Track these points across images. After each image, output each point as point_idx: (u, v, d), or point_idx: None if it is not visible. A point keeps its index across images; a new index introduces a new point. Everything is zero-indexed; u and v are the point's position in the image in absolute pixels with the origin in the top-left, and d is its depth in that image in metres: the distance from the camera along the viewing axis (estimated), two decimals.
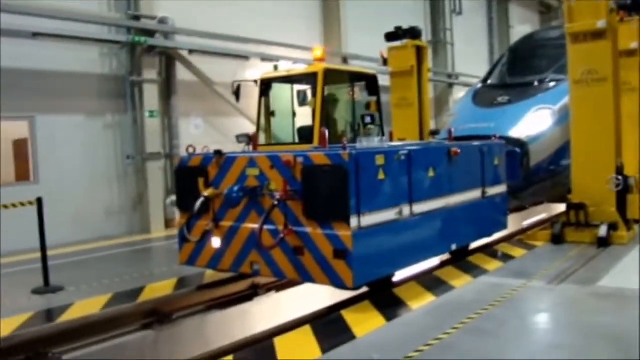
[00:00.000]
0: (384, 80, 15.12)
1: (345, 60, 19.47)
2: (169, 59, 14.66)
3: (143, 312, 7.83)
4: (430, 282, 7.79)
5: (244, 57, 15.88)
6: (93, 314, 7.41)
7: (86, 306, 7.63)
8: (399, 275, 7.80)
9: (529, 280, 7.60)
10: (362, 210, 6.46)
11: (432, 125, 16.16)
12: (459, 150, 8.27)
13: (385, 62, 14.40)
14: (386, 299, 7.00)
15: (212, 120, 15.63)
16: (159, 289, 8.41)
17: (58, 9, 12.12)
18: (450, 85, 26.23)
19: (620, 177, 9.75)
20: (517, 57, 14.42)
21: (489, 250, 9.91)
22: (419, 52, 14.16)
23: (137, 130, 13.88)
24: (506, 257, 9.29)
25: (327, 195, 6.50)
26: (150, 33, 13.96)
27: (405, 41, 14.15)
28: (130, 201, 13.87)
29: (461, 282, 7.73)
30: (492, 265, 8.75)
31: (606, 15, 9.65)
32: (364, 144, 7.75)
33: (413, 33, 14.16)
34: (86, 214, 12.88)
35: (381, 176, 6.78)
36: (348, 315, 6.43)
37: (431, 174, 7.77)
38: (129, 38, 13.45)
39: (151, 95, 14.03)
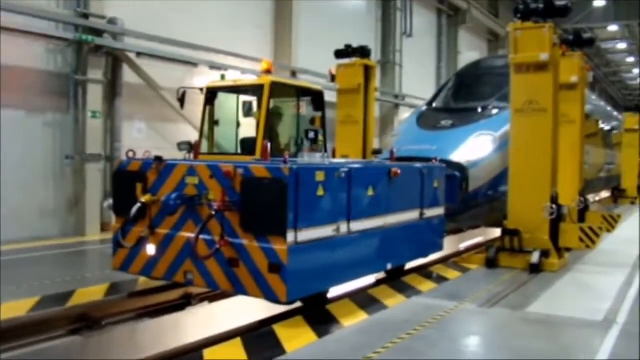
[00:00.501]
0: (331, 97, 15.24)
1: (294, 73, 19.51)
2: (115, 60, 14.44)
3: (71, 317, 7.62)
4: (364, 300, 7.83)
5: (193, 64, 15.77)
6: (18, 316, 7.19)
7: (12, 308, 7.38)
8: (334, 292, 7.82)
9: (461, 302, 7.70)
10: (300, 225, 6.44)
11: (376, 144, 16.30)
12: (399, 171, 8.33)
13: (333, 78, 14.51)
14: (319, 315, 7.00)
15: (155, 125, 15.44)
16: (90, 293, 8.22)
17: (4, 1, 11.80)
18: (397, 106, 26.53)
19: (554, 206, 9.99)
20: (463, 82, 14.68)
21: (424, 271, 10.02)
22: (367, 70, 14.32)
23: (78, 130, 13.58)
24: (440, 279, 9.41)
25: (265, 208, 6.46)
26: (98, 32, 13.72)
27: (354, 59, 14.31)
28: (67, 202, 13.53)
29: (395, 302, 7.79)
30: (426, 286, 8.85)
31: (549, 49, 9.93)
32: (305, 159, 7.76)
33: (362, 52, 14.33)
34: (19, 213, 12.49)
35: (320, 192, 6.78)
36: (280, 330, 6.41)
37: (370, 192, 7.81)
38: (76, 36, 13.21)
39: (95, 96, 13.77)
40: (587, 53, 40.03)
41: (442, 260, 11.34)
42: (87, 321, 7.64)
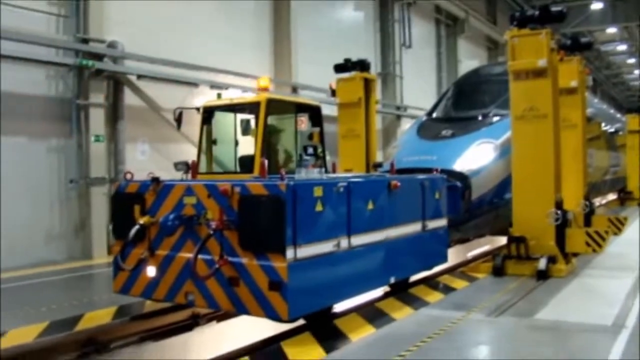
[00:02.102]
0: (332, 111, 15.29)
1: (294, 89, 19.59)
2: (116, 83, 14.51)
3: (79, 341, 7.63)
4: (371, 313, 7.82)
5: (193, 84, 15.84)
6: (27, 343, 7.20)
7: (20, 335, 7.39)
8: (340, 306, 7.80)
9: (469, 312, 7.68)
10: (299, 241, 6.41)
11: (379, 156, 16.30)
12: (399, 183, 8.30)
13: (333, 93, 14.55)
14: (326, 331, 6.99)
15: (158, 146, 15.49)
16: (98, 317, 8.21)
17: (4, 29, 11.88)
18: (398, 117, 26.56)
19: (559, 212, 9.98)
20: (462, 91, 14.69)
21: (431, 282, 10.00)
22: (367, 84, 14.35)
23: (81, 155, 13.64)
24: (448, 289, 9.39)
25: (264, 225, 6.44)
26: (98, 56, 13.81)
27: (353, 73, 14.34)
28: (72, 226, 13.57)
29: (402, 314, 7.77)
30: (434, 297, 8.83)
31: (547, 55, 9.96)
32: (302, 174, 7.64)
33: (362, 65, 14.37)
34: (25, 238, 12.53)
35: (319, 208, 6.76)
36: (287, 347, 6.39)
37: (370, 206, 7.77)
38: (77, 61, 13.29)
39: (97, 120, 13.84)
40: (586, 56, 40.11)
41: (449, 270, 11.31)
42: (96, 345, 7.65)
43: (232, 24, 18.08)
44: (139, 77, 14.68)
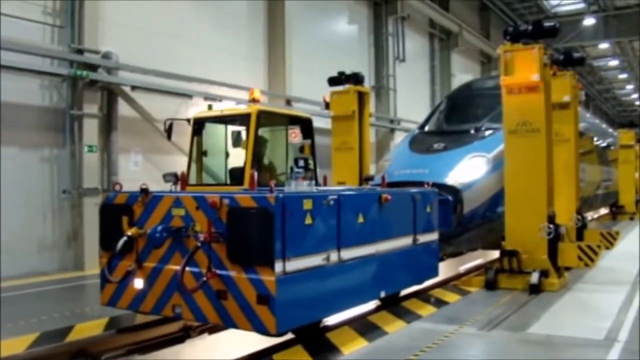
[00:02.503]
0: (326, 124, 15.32)
1: (288, 102, 19.61)
2: (110, 94, 14.50)
3: (70, 353, 7.59)
4: (364, 326, 7.81)
5: (187, 96, 15.85)
6: (16, 354, 7.15)
7: (10, 346, 7.34)
8: (332, 320, 7.79)
9: (462, 326, 7.68)
10: (288, 255, 6.34)
11: (372, 169, 16.32)
12: (389, 197, 8.23)
13: (327, 106, 14.60)
14: (318, 344, 6.97)
15: (152, 157, 15.47)
16: (89, 328, 8.17)
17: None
18: (392, 130, 26.61)
19: (551, 226, 10.01)
20: (454, 105, 14.64)
21: (423, 295, 9.99)
22: (361, 97, 14.42)
23: (75, 165, 13.60)
24: (440, 303, 9.38)
25: (252, 238, 6.38)
26: (93, 67, 13.81)
27: (347, 86, 14.40)
28: (65, 237, 13.51)
29: (394, 328, 7.77)
30: (426, 310, 8.83)
31: (540, 70, 10.01)
32: (292, 187, 7.57)
33: (355, 78, 14.45)
34: (18, 248, 12.47)
35: (308, 221, 6.68)
36: None
37: (361, 219, 7.70)
38: (71, 71, 13.29)
39: (91, 130, 13.81)
40: (579, 71, 40.41)
41: (442, 284, 11.31)
42: (86, 357, 7.61)
43: (226, 36, 18.13)
44: (133, 88, 14.67)
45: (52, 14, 13.45)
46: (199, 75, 16.22)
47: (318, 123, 20.07)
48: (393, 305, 9.11)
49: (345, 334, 7.45)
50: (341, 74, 14.57)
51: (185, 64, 16.15)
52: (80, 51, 13.70)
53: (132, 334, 8.29)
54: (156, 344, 8.33)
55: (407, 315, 8.44)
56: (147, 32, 15.45)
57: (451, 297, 9.77)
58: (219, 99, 16.07)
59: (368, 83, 20.41)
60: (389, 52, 26.52)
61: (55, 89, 13.46)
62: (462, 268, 14.14)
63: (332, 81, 14.65)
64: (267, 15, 19.96)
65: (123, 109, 14.73)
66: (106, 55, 14.15)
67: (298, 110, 17.94)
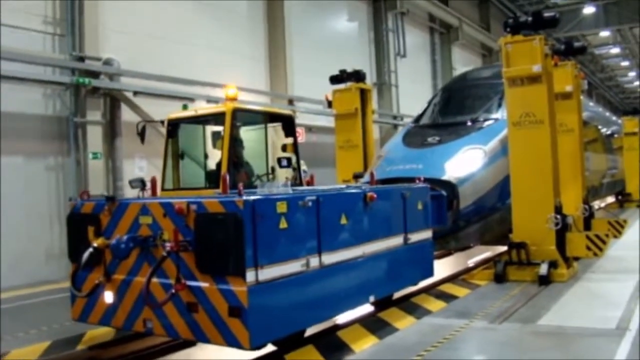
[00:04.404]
0: (329, 122, 15.32)
1: (291, 102, 19.62)
2: (113, 100, 14.53)
3: None
4: (374, 323, 7.81)
5: (190, 99, 15.83)
6: None
7: (23, 355, 7.37)
8: (342, 318, 7.76)
9: (472, 320, 7.68)
10: (261, 262, 5.89)
11: None
12: (375, 195, 7.79)
13: (330, 104, 14.59)
14: (329, 342, 6.97)
15: (157, 162, 15.39)
16: (100, 335, 8.18)
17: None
18: (395, 126, 26.57)
19: (559, 216, 9.99)
20: (449, 96, 14.12)
21: (432, 291, 9.98)
22: (363, 94, 14.41)
23: (80, 172, 13.64)
24: (450, 297, 9.37)
25: (221, 246, 5.93)
26: (94, 74, 13.84)
27: (349, 84, 14.39)
28: None
29: (405, 324, 7.77)
30: (436, 305, 8.83)
31: (541, 60, 10.00)
32: (265, 189, 6.78)
33: (357, 76, 14.44)
34: (25, 257, 12.51)
35: (283, 225, 6.25)
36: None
37: (344, 221, 7.27)
38: (73, 79, 13.31)
39: (95, 137, 13.86)
40: (581, 60, 40.32)
41: (450, 278, 11.29)
42: None
43: (226, 38, 18.15)
44: (136, 93, 14.70)
45: (53, 22, 13.48)
46: (201, 78, 16.23)
47: (321, 122, 20.25)
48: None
49: (356, 331, 7.45)
50: (342, 71, 14.57)
51: (187, 67, 16.17)
52: (81, 59, 13.73)
53: (143, 339, 8.28)
54: (168, 348, 8.32)
55: (417, 311, 8.44)
56: (147, 37, 15.48)
57: (460, 291, 9.76)
58: (222, 100, 16.03)
59: (369, 80, 20.39)
60: (390, 48, 26.54)
61: (58, 97, 13.50)
62: (470, 262, 14.10)
63: (334, 79, 14.64)
64: (267, 16, 20.00)
65: (126, 114, 14.74)
66: (107, 62, 14.17)
67: (298, 109, 18.02)
